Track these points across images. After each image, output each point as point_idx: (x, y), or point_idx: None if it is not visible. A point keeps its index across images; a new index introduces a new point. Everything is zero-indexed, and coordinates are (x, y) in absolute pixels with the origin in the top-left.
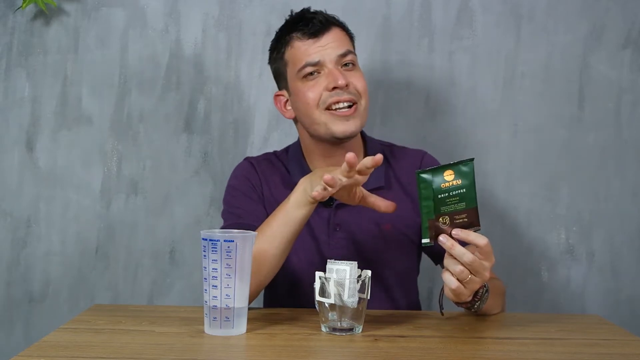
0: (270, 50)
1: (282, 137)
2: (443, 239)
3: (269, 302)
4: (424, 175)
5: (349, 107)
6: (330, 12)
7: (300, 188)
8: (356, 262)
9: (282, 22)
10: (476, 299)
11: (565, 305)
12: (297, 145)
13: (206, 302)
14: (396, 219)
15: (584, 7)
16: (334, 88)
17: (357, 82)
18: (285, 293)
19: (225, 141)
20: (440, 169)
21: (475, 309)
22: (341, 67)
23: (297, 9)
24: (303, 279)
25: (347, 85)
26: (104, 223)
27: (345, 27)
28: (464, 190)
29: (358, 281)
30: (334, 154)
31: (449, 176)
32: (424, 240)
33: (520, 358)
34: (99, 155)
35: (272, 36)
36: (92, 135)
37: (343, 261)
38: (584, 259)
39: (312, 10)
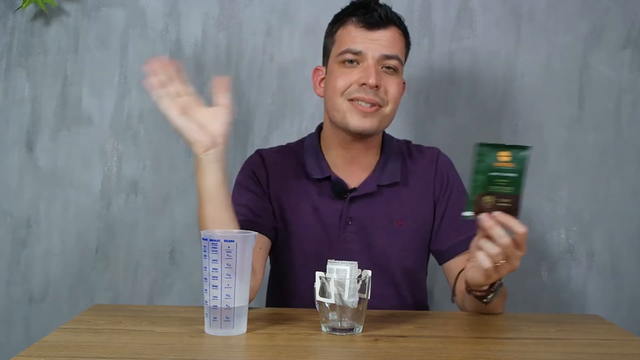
0: (329, 24)
1: (282, 137)
2: (485, 217)
3: (275, 294)
4: (484, 148)
5: (371, 106)
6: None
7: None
8: (356, 262)
9: (282, 22)
10: (491, 290)
11: (565, 305)
12: (314, 135)
13: (206, 302)
14: (410, 216)
15: (584, 7)
16: (363, 84)
17: (391, 87)
18: (293, 284)
19: None
20: (498, 147)
21: (487, 300)
22: (382, 68)
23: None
24: (312, 270)
25: (377, 87)
26: (104, 223)
27: (406, 32)
28: (516, 174)
29: (358, 281)
30: (351, 146)
31: (505, 157)
32: (467, 213)
33: (520, 358)
34: (99, 155)
35: (272, 36)
36: (92, 135)
37: (343, 261)
38: (584, 259)
39: (379, 1)
